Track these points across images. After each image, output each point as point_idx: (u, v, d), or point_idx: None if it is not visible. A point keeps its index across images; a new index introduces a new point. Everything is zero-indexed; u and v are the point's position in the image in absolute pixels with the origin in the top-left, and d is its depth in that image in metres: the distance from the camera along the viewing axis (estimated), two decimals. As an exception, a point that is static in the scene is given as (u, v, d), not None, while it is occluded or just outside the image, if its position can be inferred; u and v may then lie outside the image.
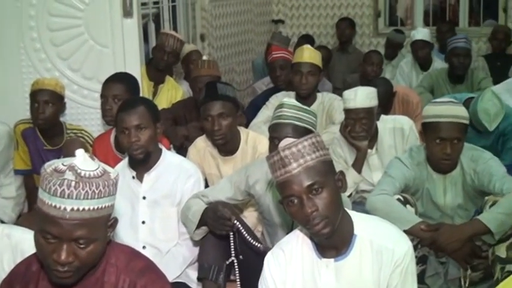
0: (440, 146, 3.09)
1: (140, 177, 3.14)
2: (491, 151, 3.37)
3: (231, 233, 2.83)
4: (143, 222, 3.15)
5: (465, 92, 4.85)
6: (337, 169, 2.11)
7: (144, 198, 3.14)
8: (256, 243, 2.78)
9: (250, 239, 2.79)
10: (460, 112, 3.13)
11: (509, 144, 4.20)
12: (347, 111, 3.74)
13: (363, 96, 3.68)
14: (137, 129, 3.01)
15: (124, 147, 3.11)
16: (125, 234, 3.14)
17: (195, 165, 3.34)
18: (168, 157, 3.20)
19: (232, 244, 2.84)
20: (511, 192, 2.96)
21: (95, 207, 1.79)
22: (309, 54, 4.40)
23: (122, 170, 3.13)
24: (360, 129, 3.71)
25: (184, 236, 3.14)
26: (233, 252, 2.86)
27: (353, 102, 3.68)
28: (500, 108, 4.02)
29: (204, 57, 4.47)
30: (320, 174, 1.97)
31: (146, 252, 3.02)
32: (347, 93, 3.74)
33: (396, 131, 3.87)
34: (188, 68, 5.31)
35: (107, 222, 1.89)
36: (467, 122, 3.16)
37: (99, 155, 3.52)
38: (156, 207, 3.14)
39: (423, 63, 5.93)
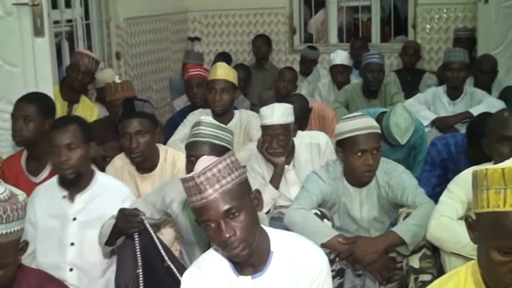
0: (361, 158, 3.14)
1: (71, 198, 3.07)
2: (403, 164, 3.46)
3: (136, 235, 2.77)
4: (72, 244, 3.06)
5: (378, 107, 4.95)
6: (255, 186, 2.12)
7: (75, 219, 3.06)
8: (161, 248, 2.71)
9: (155, 238, 2.72)
10: (373, 123, 3.22)
11: (420, 157, 4.32)
12: (264, 128, 3.77)
13: (279, 113, 3.71)
14: (68, 148, 2.95)
15: (54, 166, 3.04)
16: (52, 255, 3.05)
17: (128, 187, 3.27)
18: (101, 178, 3.13)
19: (137, 244, 2.77)
20: (423, 205, 3.05)
21: (4, 232, 1.73)
22: (223, 72, 4.39)
23: (50, 188, 3.06)
24: (277, 145, 3.73)
25: None
26: (139, 257, 2.77)
27: (269, 118, 3.71)
28: (410, 123, 4.12)
29: (117, 80, 4.38)
30: (236, 197, 1.95)
31: (72, 275, 2.99)
32: (264, 109, 3.77)
33: (312, 146, 3.92)
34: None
35: (17, 246, 1.83)
36: (379, 131, 3.24)
37: (8, 177, 3.41)
38: (87, 229, 3.05)
39: (342, 86, 5.95)
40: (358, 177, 3.23)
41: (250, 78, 6.36)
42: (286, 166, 3.87)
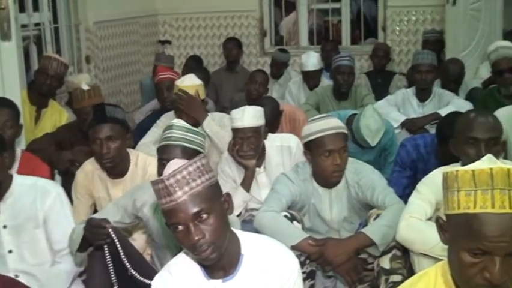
0: (329, 159, 3.15)
1: None
2: (374, 166, 3.47)
3: (106, 246, 2.75)
4: (10, 252, 3.04)
5: (349, 109, 4.97)
6: (226, 189, 2.12)
7: (5, 227, 3.03)
8: (126, 261, 2.70)
9: (121, 251, 2.71)
10: (338, 123, 3.25)
11: (390, 158, 4.35)
12: (235, 131, 3.76)
13: (250, 116, 3.71)
14: None
15: None
16: None
17: (50, 181, 3.24)
18: (19, 180, 3.09)
19: (108, 256, 2.75)
20: (393, 205, 3.07)
21: None
22: (189, 82, 4.38)
23: None
24: (248, 148, 3.73)
25: (61, 253, 3.07)
26: (111, 269, 2.75)
27: (240, 121, 3.71)
28: (381, 124, 4.14)
29: (84, 87, 4.29)
30: (206, 200, 1.95)
31: (20, 280, 2.93)
32: (235, 112, 3.77)
33: (283, 149, 3.92)
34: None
35: None
36: (346, 131, 3.26)
37: None
38: (21, 233, 3.03)
39: (314, 87, 5.99)
40: (327, 178, 3.24)
41: (208, 81, 6.31)
42: (257, 169, 3.87)
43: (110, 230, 2.71)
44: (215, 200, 2.00)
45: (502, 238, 1.55)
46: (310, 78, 6.06)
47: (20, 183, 3.07)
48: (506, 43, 5.17)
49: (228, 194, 2.11)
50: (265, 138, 3.89)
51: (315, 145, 3.19)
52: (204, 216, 1.94)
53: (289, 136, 4.08)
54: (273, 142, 3.94)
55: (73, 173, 3.76)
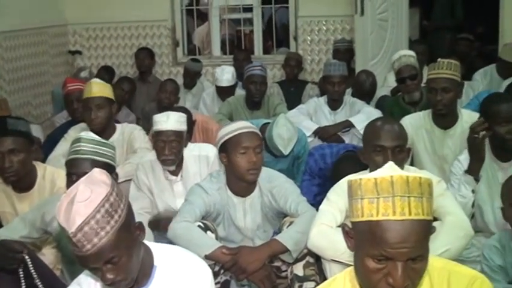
0: (245, 156, 3.17)
1: None
2: (287, 174, 3.52)
3: (21, 270, 2.67)
4: None
5: (262, 118, 5.00)
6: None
7: None
8: (40, 284, 2.64)
9: (35, 275, 2.64)
10: (253, 126, 3.30)
11: (303, 166, 4.39)
12: (157, 134, 3.73)
13: (174, 119, 3.72)
14: None
15: None
16: None
17: None
18: None
19: (23, 281, 2.68)
20: (305, 213, 3.12)
21: None
22: (97, 89, 4.26)
23: None
24: (169, 152, 3.71)
25: None
26: None
27: (164, 124, 3.69)
28: (293, 133, 4.19)
29: None
30: (116, 247, 1.87)
31: None
32: (159, 116, 3.76)
33: (201, 158, 3.92)
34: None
35: None
36: (260, 135, 3.30)
37: None
38: None
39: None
40: (243, 176, 3.23)
41: (135, 90, 6.28)
42: (173, 177, 3.86)
43: (26, 256, 2.64)
44: (126, 238, 1.91)
45: (403, 244, 1.59)
46: (224, 93, 6.04)
47: None
48: (409, 52, 5.33)
49: (140, 223, 2.03)
50: (185, 145, 3.87)
51: (232, 144, 3.20)
52: (116, 260, 1.89)
53: (207, 146, 4.08)
54: (191, 151, 3.93)
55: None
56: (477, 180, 3.38)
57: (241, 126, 3.24)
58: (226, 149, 3.23)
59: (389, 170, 1.68)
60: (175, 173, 3.86)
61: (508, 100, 3.38)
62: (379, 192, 1.61)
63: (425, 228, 1.62)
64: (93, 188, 1.86)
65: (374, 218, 1.61)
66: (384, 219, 1.60)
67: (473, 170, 3.39)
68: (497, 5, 6.81)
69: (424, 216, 1.61)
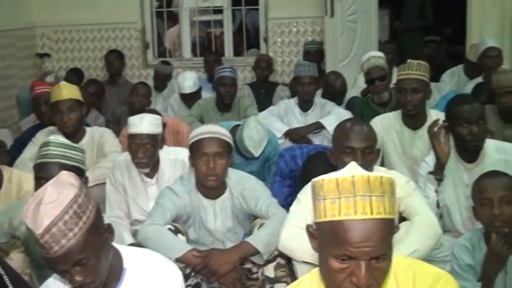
0: (204, 161, 3.17)
1: None
2: (258, 176, 3.53)
3: None
4: None
5: (232, 120, 5.00)
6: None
7: None
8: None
9: (8, 282, 2.61)
10: (220, 129, 3.29)
11: (273, 168, 4.40)
12: (131, 137, 3.70)
13: (148, 122, 3.69)
14: None
15: None
16: None
17: None
18: None
19: None
20: (276, 214, 3.13)
21: None
22: (67, 91, 4.21)
23: None
24: (143, 155, 3.68)
25: None
26: None
27: (138, 127, 3.67)
28: (264, 135, 4.19)
29: None
30: (84, 248, 1.85)
31: None
32: (133, 118, 3.73)
33: (177, 162, 3.89)
34: None
35: None
36: (228, 140, 3.26)
37: None
38: None
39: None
40: (202, 182, 3.24)
41: (103, 93, 6.24)
42: (148, 180, 3.84)
43: None
44: (95, 240, 1.90)
45: (366, 243, 1.59)
46: (189, 100, 5.95)
47: None
48: (377, 53, 5.37)
49: (109, 225, 2.02)
50: (161, 148, 3.85)
51: (194, 148, 3.22)
52: (84, 261, 1.88)
53: (183, 150, 4.05)
54: (167, 155, 3.90)
55: None
56: (440, 180, 3.42)
57: (205, 131, 3.23)
58: (192, 152, 3.24)
59: (351, 170, 1.68)
60: (150, 175, 3.84)
61: (469, 101, 3.41)
62: (341, 192, 1.62)
63: (387, 227, 1.62)
64: (61, 190, 1.84)
65: (336, 218, 1.61)
66: (346, 219, 1.60)
67: (437, 169, 3.43)
68: (465, 6, 6.88)
69: (386, 215, 1.62)
